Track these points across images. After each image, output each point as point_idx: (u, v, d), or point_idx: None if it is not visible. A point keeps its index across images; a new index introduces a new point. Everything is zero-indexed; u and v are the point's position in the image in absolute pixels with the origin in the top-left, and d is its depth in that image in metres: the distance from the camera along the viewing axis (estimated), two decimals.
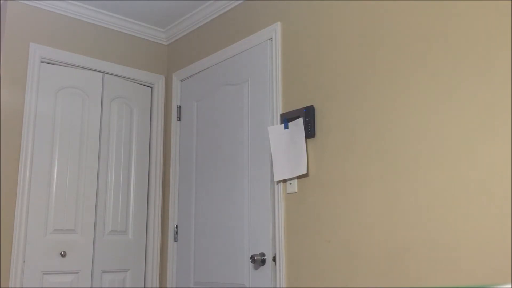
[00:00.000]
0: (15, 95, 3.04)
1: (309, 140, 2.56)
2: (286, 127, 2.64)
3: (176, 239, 3.37)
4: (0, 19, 3.15)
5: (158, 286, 3.42)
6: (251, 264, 2.78)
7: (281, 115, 2.70)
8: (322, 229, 2.43)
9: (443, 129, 2.01)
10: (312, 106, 2.56)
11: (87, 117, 3.30)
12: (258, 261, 2.69)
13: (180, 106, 3.56)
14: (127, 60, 3.58)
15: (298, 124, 2.58)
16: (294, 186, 2.59)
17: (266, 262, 2.68)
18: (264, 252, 2.71)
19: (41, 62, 3.18)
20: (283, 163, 2.61)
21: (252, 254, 2.75)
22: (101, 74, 3.42)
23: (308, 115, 2.55)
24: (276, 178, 2.64)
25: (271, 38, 2.88)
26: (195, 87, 3.45)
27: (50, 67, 3.21)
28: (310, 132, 2.54)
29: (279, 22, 2.84)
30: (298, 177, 2.58)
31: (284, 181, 2.65)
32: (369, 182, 2.25)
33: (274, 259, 2.65)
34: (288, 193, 2.62)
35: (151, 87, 3.69)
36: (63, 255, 3.05)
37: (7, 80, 3.02)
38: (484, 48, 1.93)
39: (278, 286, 2.58)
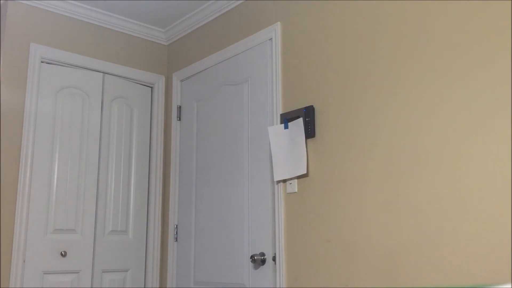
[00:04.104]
0: (15, 95, 3.04)
1: (309, 140, 2.56)
2: (286, 127, 2.64)
3: (176, 239, 3.38)
4: (0, 19, 3.15)
5: (158, 286, 3.43)
6: (251, 264, 2.78)
7: (281, 115, 2.71)
8: (322, 229, 2.43)
9: (442, 129, 2.02)
10: (312, 106, 2.56)
11: (87, 117, 3.30)
12: (258, 261, 2.69)
13: (180, 106, 3.56)
14: (127, 60, 3.58)
15: (298, 124, 2.58)
16: (294, 186, 2.60)
17: (266, 262, 2.68)
18: (264, 252, 2.71)
19: (41, 62, 3.18)
20: (283, 163, 2.61)
21: (252, 254, 2.76)
22: (101, 74, 3.42)
23: (308, 115, 2.55)
24: (276, 178, 2.64)
25: (271, 38, 2.88)
26: (195, 87, 3.45)
27: (50, 67, 3.21)
28: (310, 132, 2.54)
29: (279, 22, 2.84)
30: (298, 177, 2.59)
31: (284, 181, 2.66)
32: (369, 182, 2.25)
33: (274, 259, 2.65)
34: (288, 193, 2.63)
35: (151, 87, 3.69)
36: (63, 255, 3.06)
37: (7, 80, 3.03)
38: (484, 47, 1.93)
39: (278, 286, 2.58)
